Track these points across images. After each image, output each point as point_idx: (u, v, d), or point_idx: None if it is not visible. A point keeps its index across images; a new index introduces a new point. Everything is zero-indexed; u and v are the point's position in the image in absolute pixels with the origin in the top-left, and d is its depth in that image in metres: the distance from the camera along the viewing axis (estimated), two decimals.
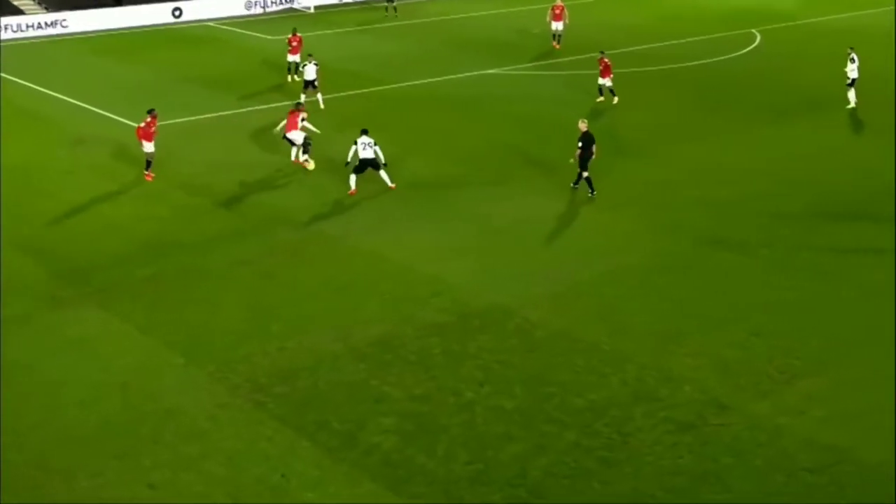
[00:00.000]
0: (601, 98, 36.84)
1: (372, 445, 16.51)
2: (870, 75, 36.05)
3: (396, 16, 55.25)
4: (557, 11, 46.05)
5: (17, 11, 52.08)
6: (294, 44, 40.70)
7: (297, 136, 29.83)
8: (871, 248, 24.09)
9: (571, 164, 27.26)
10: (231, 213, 26.94)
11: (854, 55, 35.16)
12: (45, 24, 51.56)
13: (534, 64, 43.81)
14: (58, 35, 51.28)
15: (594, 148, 27.08)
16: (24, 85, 40.68)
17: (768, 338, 19.80)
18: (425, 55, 45.88)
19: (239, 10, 56.67)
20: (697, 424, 16.97)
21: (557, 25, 46.02)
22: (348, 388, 18.24)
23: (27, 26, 50.98)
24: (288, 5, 58.34)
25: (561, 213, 26.48)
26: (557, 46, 46.03)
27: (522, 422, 17.12)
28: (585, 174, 27.10)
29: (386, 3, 56.36)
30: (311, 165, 29.70)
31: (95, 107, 37.13)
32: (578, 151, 26.92)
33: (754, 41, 47.44)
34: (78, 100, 38.20)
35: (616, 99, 36.49)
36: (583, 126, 27.20)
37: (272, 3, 57.93)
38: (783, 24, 51.08)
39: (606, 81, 36.66)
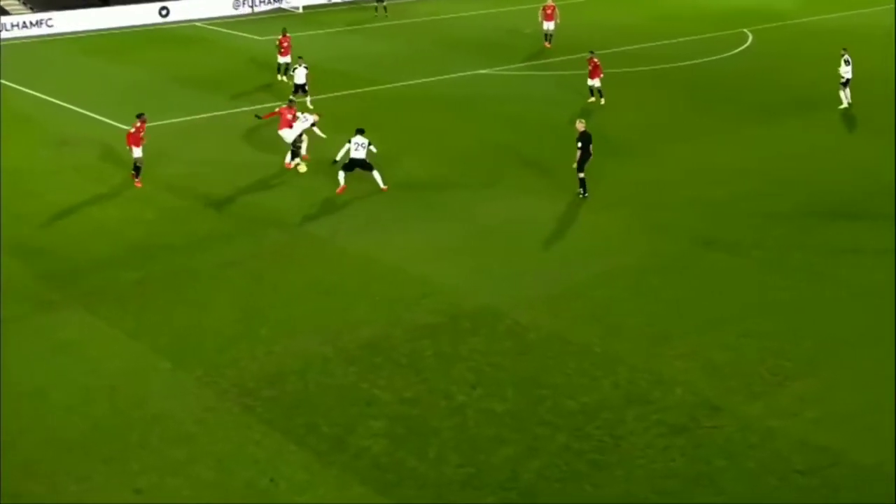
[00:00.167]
0: (592, 99, 36.75)
1: (362, 449, 16.38)
2: (861, 75, 36.01)
3: (386, 16, 55.13)
4: (549, 11, 46.03)
5: (2, 11, 51.62)
6: (284, 45, 40.54)
7: (288, 135, 29.68)
8: (863, 248, 24.02)
9: (574, 169, 26.95)
10: (220, 215, 26.76)
11: (847, 56, 35.14)
12: (31, 23, 51.18)
13: (525, 64, 43.72)
14: (43, 35, 50.99)
15: (591, 148, 26.92)
16: (8, 86, 40.39)
17: (760, 339, 19.71)
18: (416, 55, 45.77)
19: (227, 9, 56.48)
20: (690, 427, 16.87)
21: (549, 25, 46.01)
22: (338, 391, 18.10)
23: (12, 26, 50.58)
24: (276, 5, 58.17)
25: (552, 214, 26.36)
26: (549, 46, 45.99)
27: (514, 424, 17.00)
28: (581, 175, 26.93)
29: (376, 3, 56.22)
30: (303, 168, 29.52)
31: (81, 108, 36.92)
32: (579, 153, 26.68)
33: (746, 41, 47.44)
34: (63, 101, 37.97)
35: (603, 101, 36.39)
36: (580, 126, 27.03)
37: (260, 2, 57.75)
38: (775, 24, 51.11)
39: (595, 82, 36.56)
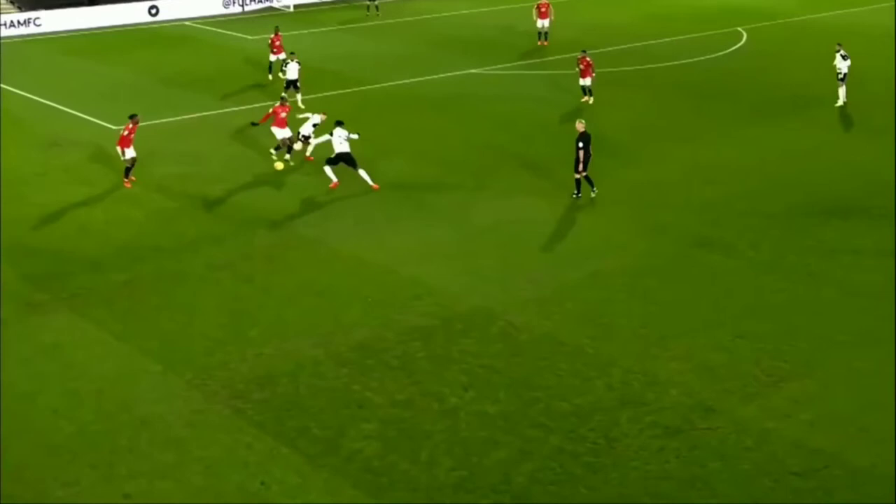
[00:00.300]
0: (585, 98, 36.61)
1: (353, 452, 16.22)
2: (857, 73, 35.93)
3: (378, 14, 54.96)
4: (543, 9, 45.96)
5: None
6: (277, 44, 40.39)
7: (280, 133, 29.51)
8: (859, 248, 23.90)
9: (580, 174, 26.68)
10: (209, 216, 26.56)
11: (843, 51, 35.04)
12: (18, 22, 50.82)
13: (518, 63, 43.59)
14: (31, 34, 50.66)
15: (590, 148, 26.73)
16: None
17: (755, 340, 19.58)
18: (408, 54, 45.61)
19: (217, 8, 56.24)
20: (684, 429, 16.75)
21: (543, 23, 45.94)
22: (329, 393, 17.93)
23: None
24: (267, 4, 57.95)
25: (545, 215, 26.20)
26: (545, 44, 45.90)
27: (507, 427, 16.85)
28: (577, 175, 26.75)
29: (367, 2, 56.03)
30: (279, 166, 29.23)
31: (69, 108, 36.67)
32: (580, 153, 26.48)
33: (741, 40, 47.37)
34: (51, 100, 37.73)
35: (591, 100, 36.23)
36: (580, 126, 26.80)
37: (251, 1, 57.51)
38: (769, 23, 51.08)
39: (587, 81, 36.43)
